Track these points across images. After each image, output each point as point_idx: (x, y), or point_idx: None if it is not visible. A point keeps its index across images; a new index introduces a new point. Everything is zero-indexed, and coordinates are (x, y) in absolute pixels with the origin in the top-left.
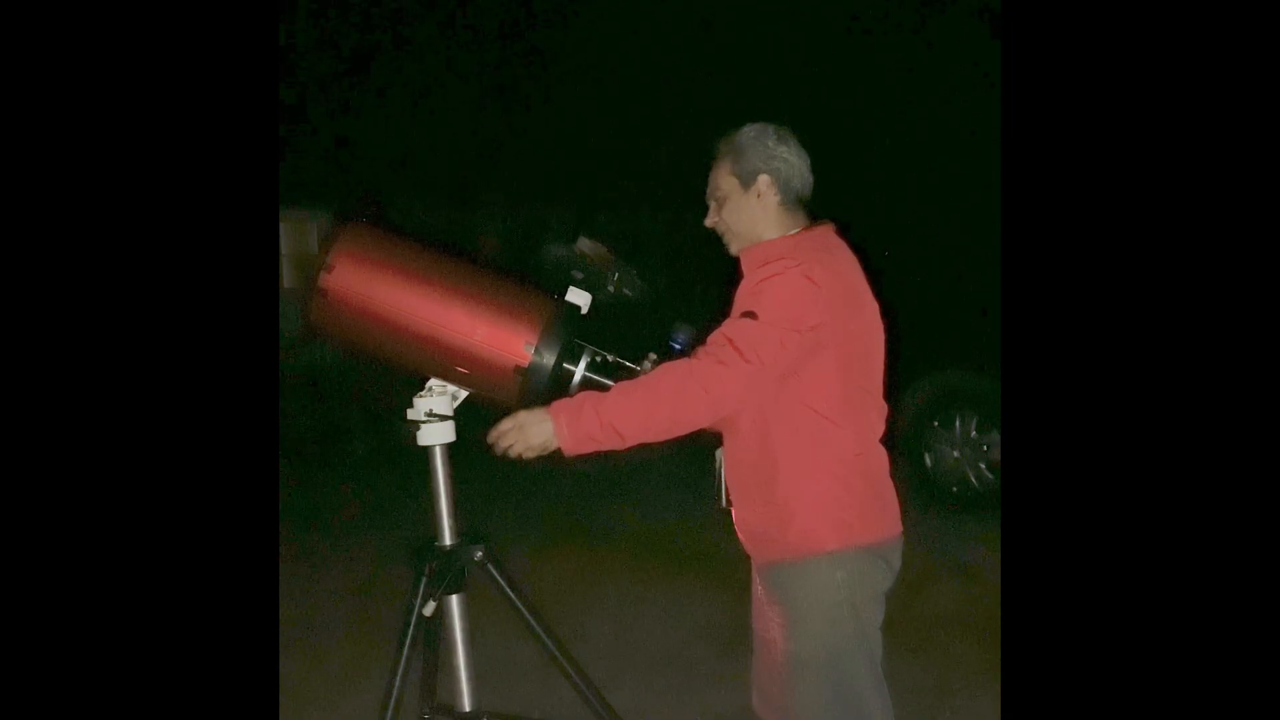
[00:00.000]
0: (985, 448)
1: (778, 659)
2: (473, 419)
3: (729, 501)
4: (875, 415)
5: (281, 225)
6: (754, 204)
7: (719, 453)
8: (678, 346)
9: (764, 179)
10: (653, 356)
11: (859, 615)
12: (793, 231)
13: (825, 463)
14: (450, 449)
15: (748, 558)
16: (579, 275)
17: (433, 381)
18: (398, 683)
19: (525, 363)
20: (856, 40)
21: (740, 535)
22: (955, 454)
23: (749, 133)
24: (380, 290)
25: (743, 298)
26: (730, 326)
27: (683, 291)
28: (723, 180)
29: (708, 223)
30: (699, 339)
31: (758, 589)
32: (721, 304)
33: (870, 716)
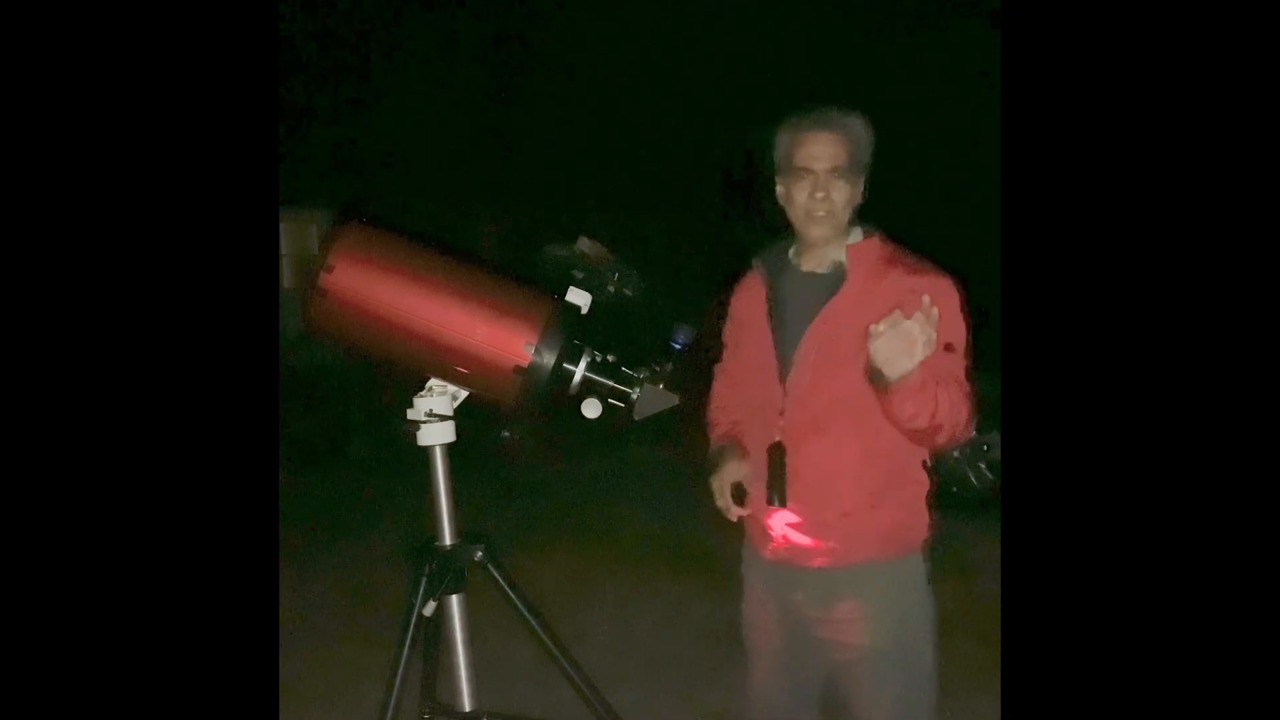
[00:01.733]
0: (985, 448)
1: (858, 660)
2: (473, 419)
3: (781, 501)
4: None
5: (282, 225)
6: (855, 199)
7: (777, 451)
8: (678, 346)
9: (863, 179)
10: (654, 363)
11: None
12: (873, 232)
13: (923, 455)
14: (450, 449)
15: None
16: (579, 275)
17: (433, 381)
18: (398, 683)
19: (525, 363)
20: (857, 40)
21: (821, 540)
22: (955, 454)
23: (861, 124)
24: (380, 290)
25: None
26: (959, 369)
27: (682, 291)
28: (850, 163)
29: (826, 203)
30: (699, 339)
31: (771, 600)
32: (721, 304)
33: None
